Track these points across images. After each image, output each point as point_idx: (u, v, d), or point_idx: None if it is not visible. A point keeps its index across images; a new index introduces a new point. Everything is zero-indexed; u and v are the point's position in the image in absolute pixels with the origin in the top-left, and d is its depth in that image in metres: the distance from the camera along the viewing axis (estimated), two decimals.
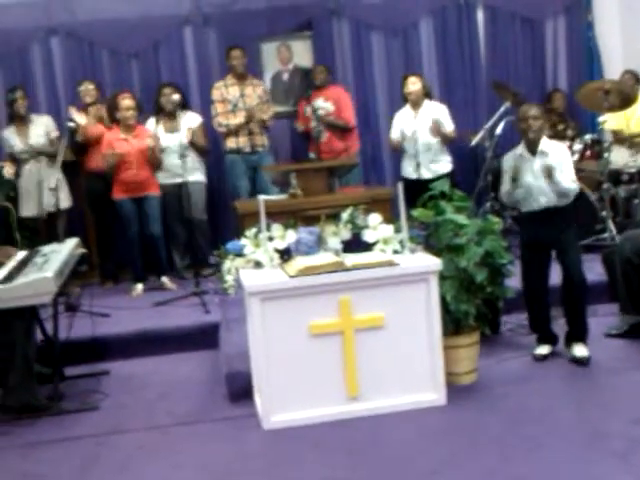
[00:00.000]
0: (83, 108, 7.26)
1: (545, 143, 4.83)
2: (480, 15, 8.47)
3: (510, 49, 8.49)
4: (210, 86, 7.74)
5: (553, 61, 8.58)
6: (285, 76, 8.32)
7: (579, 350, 4.84)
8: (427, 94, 7.35)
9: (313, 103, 7.47)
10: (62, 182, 6.94)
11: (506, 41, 8.47)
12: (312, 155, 7.37)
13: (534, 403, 4.26)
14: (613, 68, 8.21)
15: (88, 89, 7.32)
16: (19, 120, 7.09)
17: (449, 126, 7.28)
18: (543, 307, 4.97)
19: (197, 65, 8.14)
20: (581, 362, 4.77)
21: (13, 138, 7.07)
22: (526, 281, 4.96)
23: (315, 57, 8.22)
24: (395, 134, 7.39)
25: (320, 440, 4.05)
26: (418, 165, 7.20)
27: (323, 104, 7.59)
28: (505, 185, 4.93)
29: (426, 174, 7.14)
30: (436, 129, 7.10)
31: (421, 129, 7.19)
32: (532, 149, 4.81)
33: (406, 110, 7.35)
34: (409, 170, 7.29)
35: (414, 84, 7.26)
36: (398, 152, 7.50)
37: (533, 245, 4.89)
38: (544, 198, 4.77)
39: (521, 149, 4.86)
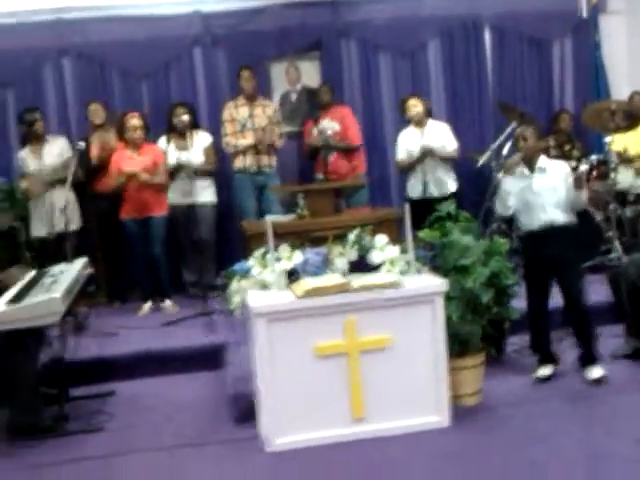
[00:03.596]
0: (93, 128, 7.35)
1: (543, 161, 4.95)
2: (487, 36, 8.51)
3: (517, 69, 8.52)
4: (219, 106, 7.81)
5: (560, 81, 8.62)
6: (293, 96, 8.36)
7: (593, 372, 4.86)
8: (429, 113, 7.45)
9: (321, 124, 7.52)
10: (72, 203, 7.01)
11: (513, 62, 8.51)
12: (319, 176, 7.40)
13: (538, 425, 4.26)
14: (620, 89, 8.25)
15: (97, 109, 7.40)
16: (35, 140, 7.12)
17: (451, 145, 7.39)
18: (544, 328, 5.00)
19: (206, 85, 8.18)
20: (598, 383, 4.79)
21: (29, 158, 7.09)
22: (529, 301, 5.00)
23: (323, 77, 8.26)
24: (402, 154, 7.45)
25: (324, 462, 4.06)
26: (425, 185, 7.27)
27: (329, 124, 7.64)
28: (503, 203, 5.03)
29: (432, 193, 7.21)
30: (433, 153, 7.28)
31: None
32: (530, 167, 4.91)
33: (411, 130, 7.45)
34: (416, 190, 7.35)
35: (415, 106, 7.39)
36: (404, 172, 7.55)
37: (534, 265, 4.94)
38: (544, 215, 4.84)
39: (522, 167, 4.95)
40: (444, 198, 6.40)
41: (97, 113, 7.39)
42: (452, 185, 7.43)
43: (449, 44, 8.42)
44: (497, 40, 8.50)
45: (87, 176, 7.28)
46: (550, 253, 4.83)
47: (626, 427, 4.15)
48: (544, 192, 4.86)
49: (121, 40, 7.88)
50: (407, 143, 7.40)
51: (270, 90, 8.20)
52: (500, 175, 5.08)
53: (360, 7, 8.26)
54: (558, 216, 4.86)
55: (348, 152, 7.70)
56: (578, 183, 4.82)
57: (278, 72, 8.29)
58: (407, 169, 7.49)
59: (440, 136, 7.39)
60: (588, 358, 4.91)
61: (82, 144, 6.77)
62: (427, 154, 7.24)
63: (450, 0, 8.33)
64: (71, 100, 8.03)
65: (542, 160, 4.96)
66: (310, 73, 8.34)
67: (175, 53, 8.11)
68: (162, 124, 7.58)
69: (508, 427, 4.29)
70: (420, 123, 7.39)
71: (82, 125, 7.87)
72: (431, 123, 7.46)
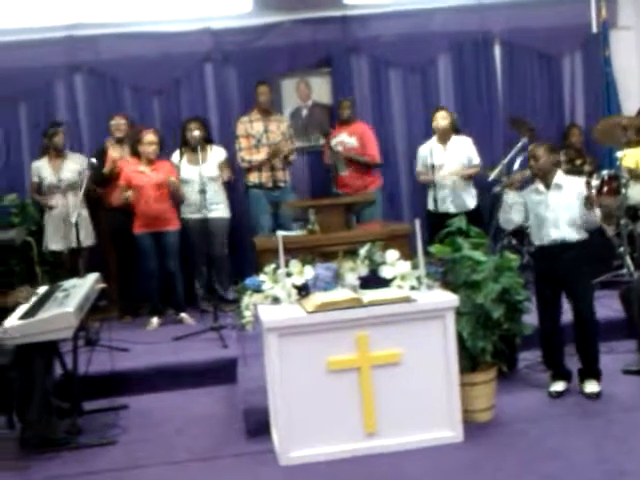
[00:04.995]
0: (117, 142, 7.40)
1: (560, 177, 4.94)
2: (497, 51, 8.54)
3: (527, 85, 8.53)
4: (230, 122, 7.85)
5: (570, 96, 8.62)
6: (304, 112, 8.40)
7: (590, 387, 4.88)
8: (455, 129, 7.45)
9: (336, 138, 7.56)
10: (85, 218, 7.06)
11: (523, 77, 8.52)
12: (337, 191, 7.41)
13: (551, 441, 4.25)
14: (630, 103, 8.26)
15: (119, 124, 7.43)
16: (55, 154, 7.17)
17: (475, 159, 7.39)
18: (556, 343, 5.00)
19: (217, 101, 8.24)
20: (592, 397, 4.82)
21: (45, 170, 7.14)
22: (540, 317, 5.00)
23: (334, 93, 8.30)
24: (420, 167, 7.47)
25: (337, 477, 4.06)
26: (444, 199, 7.24)
27: (347, 139, 7.66)
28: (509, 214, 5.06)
29: (451, 208, 7.17)
30: (458, 174, 7.26)
31: (448, 163, 7.26)
32: (546, 183, 4.91)
33: (433, 143, 7.40)
34: (434, 203, 7.28)
35: (444, 119, 7.36)
36: (425, 184, 7.51)
37: (544, 280, 4.95)
38: (555, 231, 4.85)
39: (536, 184, 4.98)
40: (463, 213, 6.39)
41: (120, 127, 7.42)
42: (471, 201, 7.39)
43: (459, 59, 8.45)
44: (507, 55, 8.52)
45: (98, 187, 7.31)
46: (560, 268, 4.84)
47: None
48: (558, 208, 4.86)
49: (133, 56, 7.98)
50: (427, 157, 7.31)
51: (281, 106, 8.25)
52: (498, 189, 5.10)
53: (370, 23, 8.29)
54: (570, 233, 4.85)
55: (364, 168, 7.70)
56: (588, 203, 4.79)
57: (289, 88, 8.34)
58: (424, 183, 7.47)
59: (463, 151, 7.36)
60: (589, 372, 4.91)
61: (94, 160, 6.81)
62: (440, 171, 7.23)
63: (460, 16, 8.35)
64: (83, 116, 8.09)
65: (559, 176, 4.95)
66: (321, 89, 8.38)
67: (186, 69, 8.17)
68: (173, 140, 7.64)
69: (522, 443, 4.27)
70: (444, 137, 7.37)
71: (94, 141, 7.93)
72: (455, 138, 7.40)
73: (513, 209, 5.03)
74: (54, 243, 7.13)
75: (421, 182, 7.60)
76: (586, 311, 4.88)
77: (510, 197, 5.04)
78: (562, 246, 4.85)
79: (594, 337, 4.91)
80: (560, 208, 4.86)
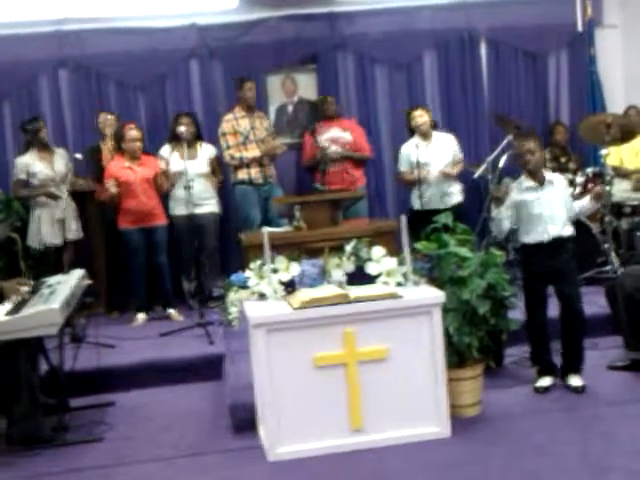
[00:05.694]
0: (102, 138, 7.37)
1: (548, 173, 4.97)
2: (483, 49, 8.56)
3: (513, 82, 8.56)
4: (215, 118, 7.83)
5: (555, 94, 8.66)
6: (290, 108, 8.40)
7: (575, 380, 4.91)
8: (433, 125, 7.47)
9: (324, 134, 7.55)
10: (71, 214, 7.02)
11: (509, 75, 8.55)
12: (318, 186, 7.41)
13: (537, 436, 4.26)
14: (615, 102, 8.30)
15: (108, 119, 7.40)
16: (42, 148, 7.08)
17: (459, 154, 7.46)
18: (546, 339, 5.02)
19: (202, 97, 8.22)
20: (577, 391, 4.84)
21: (36, 165, 6.97)
22: (530, 313, 5.01)
23: (319, 90, 8.30)
24: (404, 167, 7.45)
25: (324, 472, 4.06)
26: (430, 196, 7.23)
27: (341, 134, 7.66)
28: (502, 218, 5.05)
29: (437, 205, 7.14)
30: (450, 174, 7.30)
31: (433, 160, 7.26)
32: (538, 180, 4.89)
33: (415, 142, 7.35)
34: (419, 201, 7.24)
35: (422, 116, 7.36)
36: (409, 184, 7.49)
37: (538, 277, 4.94)
38: (554, 227, 4.85)
39: (525, 182, 4.93)
40: (448, 209, 6.41)
41: (107, 122, 7.39)
42: (457, 197, 7.41)
43: (445, 57, 8.47)
44: (493, 53, 8.55)
45: (98, 181, 7.24)
46: (557, 265, 4.86)
47: (626, 439, 4.15)
48: (554, 205, 4.86)
49: (118, 52, 7.95)
50: (411, 156, 7.33)
51: (266, 102, 8.25)
52: (493, 207, 5.12)
53: (356, 20, 8.30)
54: (565, 228, 4.88)
55: (356, 163, 7.70)
56: (598, 197, 4.93)
57: (274, 84, 8.34)
58: (410, 182, 7.45)
59: (447, 148, 7.39)
60: (574, 366, 4.95)
61: (78, 156, 6.78)
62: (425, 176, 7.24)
63: (446, 13, 8.37)
64: (67, 111, 8.05)
65: (547, 172, 4.97)
66: (307, 85, 8.39)
67: (172, 65, 8.15)
68: (158, 135, 7.65)
69: (508, 438, 4.28)
70: (426, 134, 7.37)
71: (78, 136, 7.90)
72: (436, 135, 7.44)
73: (504, 220, 5.01)
74: (48, 238, 6.98)
75: (405, 181, 7.57)
76: (578, 307, 4.91)
77: (500, 212, 5.00)
78: (558, 242, 4.86)
79: (583, 332, 4.94)
80: (556, 204, 4.86)
